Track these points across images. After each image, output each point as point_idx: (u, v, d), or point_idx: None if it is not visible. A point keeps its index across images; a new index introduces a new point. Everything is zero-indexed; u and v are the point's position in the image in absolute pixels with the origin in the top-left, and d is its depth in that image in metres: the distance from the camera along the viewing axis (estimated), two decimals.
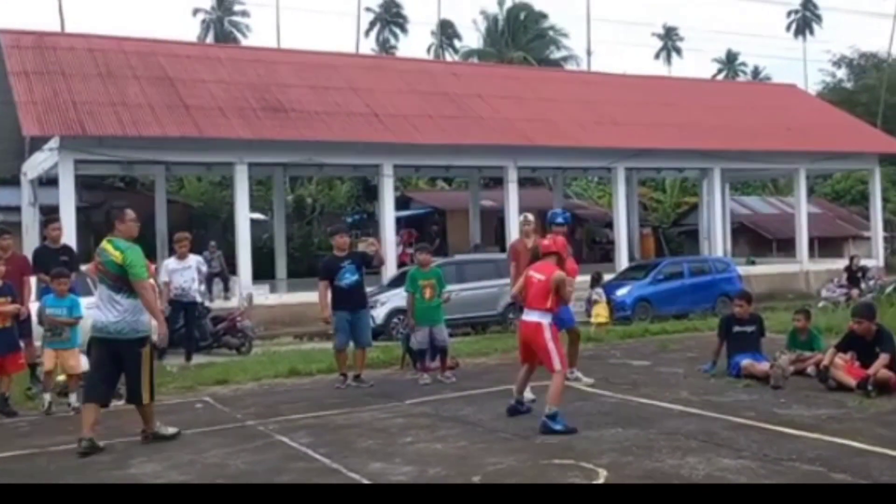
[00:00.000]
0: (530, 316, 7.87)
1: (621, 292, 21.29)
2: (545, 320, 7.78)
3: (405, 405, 9.02)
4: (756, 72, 73.44)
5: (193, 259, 13.34)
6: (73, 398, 9.31)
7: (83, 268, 12.24)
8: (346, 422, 8.30)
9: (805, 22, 74.50)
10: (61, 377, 9.59)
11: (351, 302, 10.40)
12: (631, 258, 28.32)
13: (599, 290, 18.12)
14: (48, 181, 22.65)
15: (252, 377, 11.21)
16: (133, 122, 21.03)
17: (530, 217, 10.80)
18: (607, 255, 30.45)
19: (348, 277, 10.34)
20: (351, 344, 10.51)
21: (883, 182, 34.03)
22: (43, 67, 22.47)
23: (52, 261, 10.51)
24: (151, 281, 7.74)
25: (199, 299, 13.31)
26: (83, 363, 9.03)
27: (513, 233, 24.69)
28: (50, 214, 14.88)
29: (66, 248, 11.81)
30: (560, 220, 9.75)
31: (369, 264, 10.91)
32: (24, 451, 7.58)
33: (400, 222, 28.13)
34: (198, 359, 13.77)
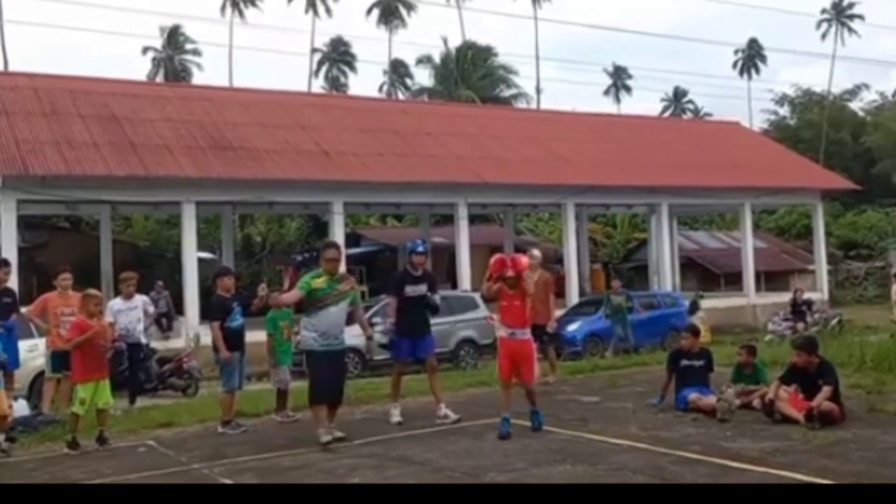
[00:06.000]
0: (526, 334, 9.11)
1: (572, 328, 21.39)
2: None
3: (353, 445, 8.89)
4: (696, 111, 74.87)
5: (139, 299, 13.08)
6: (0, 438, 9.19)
7: (24, 310, 12.01)
8: (293, 463, 8.17)
9: (750, 61, 76.12)
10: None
11: (240, 344, 10.36)
12: (581, 293, 28.47)
13: None
14: None
15: (198, 419, 10.96)
16: (78, 160, 20.76)
17: (537, 253, 12.56)
18: (558, 291, 30.54)
19: (238, 319, 10.33)
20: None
21: (825, 216, 34.74)
22: None
23: None
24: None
25: (143, 340, 13.04)
26: (17, 407, 8.85)
27: (464, 269, 24.79)
28: None
29: (8, 291, 11.62)
30: (420, 249, 10.36)
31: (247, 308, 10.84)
32: None
33: (351, 259, 27.98)
34: (142, 401, 13.47)
